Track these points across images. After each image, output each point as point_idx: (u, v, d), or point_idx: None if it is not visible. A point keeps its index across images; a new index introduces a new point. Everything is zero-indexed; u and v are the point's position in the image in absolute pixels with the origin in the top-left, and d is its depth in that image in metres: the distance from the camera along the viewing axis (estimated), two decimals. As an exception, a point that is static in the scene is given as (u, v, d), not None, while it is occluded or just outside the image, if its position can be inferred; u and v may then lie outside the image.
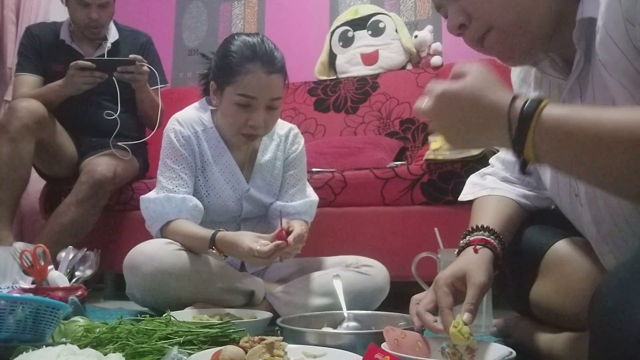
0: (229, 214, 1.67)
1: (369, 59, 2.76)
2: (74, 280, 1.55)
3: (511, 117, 0.70)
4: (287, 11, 3.15)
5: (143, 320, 1.07)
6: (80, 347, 0.84)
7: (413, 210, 1.87)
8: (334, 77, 2.82)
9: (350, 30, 2.82)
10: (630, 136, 0.61)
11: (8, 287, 1.53)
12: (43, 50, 2.29)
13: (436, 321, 0.89)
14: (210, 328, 1.03)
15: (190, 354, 0.86)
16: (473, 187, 1.14)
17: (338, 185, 1.94)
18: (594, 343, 0.56)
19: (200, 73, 1.70)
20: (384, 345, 0.84)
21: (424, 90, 0.78)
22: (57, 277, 1.47)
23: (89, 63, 2.08)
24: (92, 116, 2.26)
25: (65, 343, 0.85)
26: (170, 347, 0.90)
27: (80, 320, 1.08)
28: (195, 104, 1.70)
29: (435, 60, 2.69)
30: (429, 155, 1.81)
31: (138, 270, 1.45)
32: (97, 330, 1.02)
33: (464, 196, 1.16)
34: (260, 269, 1.70)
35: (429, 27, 2.75)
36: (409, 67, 2.75)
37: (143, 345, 0.94)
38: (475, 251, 0.93)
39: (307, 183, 1.78)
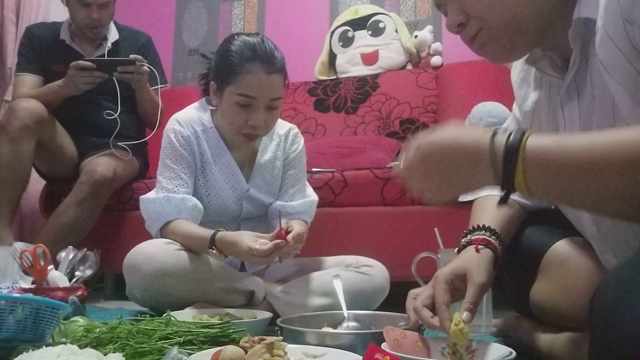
0: (229, 214, 1.67)
1: (369, 59, 2.76)
2: (74, 280, 1.55)
3: (496, 152, 0.69)
4: (287, 11, 3.15)
5: (143, 320, 1.07)
6: (80, 347, 0.84)
7: (413, 210, 1.87)
8: (334, 77, 2.82)
9: (350, 30, 2.82)
10: (622, 158, 0.61)
11: (8, 287, 1.53)
12: (43, 50, 2.29)
13: (433, 317, 0.89)
14: (210, 328, 1.03)
15: (190, 354, 0.86)
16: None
17: (338, 185, 1.94)
18: (594, 343, 0.56)
19: (200, 73, 1.70)
20: (384, 345, 0.84)
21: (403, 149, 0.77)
22: (57, 277, 1.46)
23: (89, 63, 2.08)
24: (92, 116, 2.26)
25: (65, 343, 0.85)
26: (170, 347, 0.90)
27: (80, 320, 1.08)
28: (195, 104, 1.70)
29: (435, 60, 2.69)
30: (429, 155, 1.81)
31: (138, 270, 1.45)
32: (97, 330, 1.02)
33: (464, 197, 1.16)
34: (260, 269, 1.70)
35: (429, 27, 2.75)
36: (409, 67, 2.75)
37: (143, 345, 0.94)
38: (477, 251, 0.93)
39: (307, 183, 1.78)
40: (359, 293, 1.50)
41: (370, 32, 2.78)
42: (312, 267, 1.65)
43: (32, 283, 1.51)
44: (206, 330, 1.02)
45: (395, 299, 1.51)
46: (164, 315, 1.10)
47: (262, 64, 1.47)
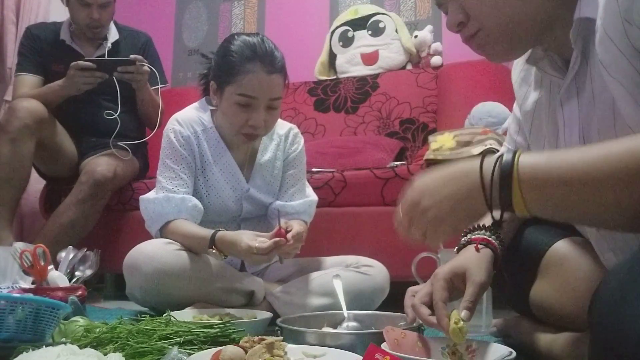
0: (229, 214, 1.67)
1: (369, 59, 2.76)
2: (74, 280, 1.55)
3: (484, 175, 0.70)
4: (287, 11, 3.15)
5: (143, 320, 1.07)
6: (80, 347, 0.84)
7: (413, 210, 1.86)
8: (334, 77, 2.82)
9: (350, 30, 2.82)
10: (617, 168, 0.61)
11: (8, 287, 1.53)
12: (43, 50, 2.29)
13: (431, 314, 0.89)
14: (210, 328, 1.03)
15: (190, 354, 0.86)
16: None
17: (338, 185, 1.94)
18: (594, 343, 0.56)
19: (200, 73, 1.70)
20: (384, 345, 0.84)
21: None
22: (57, 277, 1.47)
23: (89, 63, 2.08)
24: (92, 116, 2.26)
25: (65, 343, 0.85)
26: (170, 347, 0.90)
27: (80, 320, 1.08)
28: (195, 104, 1.70)
29: (435, 60, 2.69)
30: (429, 155, 1.81)
31: (138, 270, 1.45)
32: (97, 330, 1.02)
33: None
34: (260, 269, 1.70)
35: (429, 27, 2.75)
36: (409, 67, 2.75)
37: (143, 345, 0.94)
38: (477, 250, 0.93)
39: (307, 183, 1.78)
40: (359, 293, 1.50)
41: (370, 32, 2.78)
42: (312, 267, 1.65)
43: (32, 283, 1.51)
44: (206, 330, 1.02)
45: (395, 299, 1.50)
46: (164, 315, 1.10)
47: (263, 64, 1.47)
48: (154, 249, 1.47)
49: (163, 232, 1.57)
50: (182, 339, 0.97)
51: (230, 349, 0.81)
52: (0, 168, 2.03)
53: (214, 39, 3.24)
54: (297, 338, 1.05)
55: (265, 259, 1.41)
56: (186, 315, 1.30)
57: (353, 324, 1.24)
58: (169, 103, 2.37)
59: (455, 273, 0.90)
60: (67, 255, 1.58)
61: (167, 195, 1.56)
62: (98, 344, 0.97)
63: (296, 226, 1.46)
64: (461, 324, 0.84)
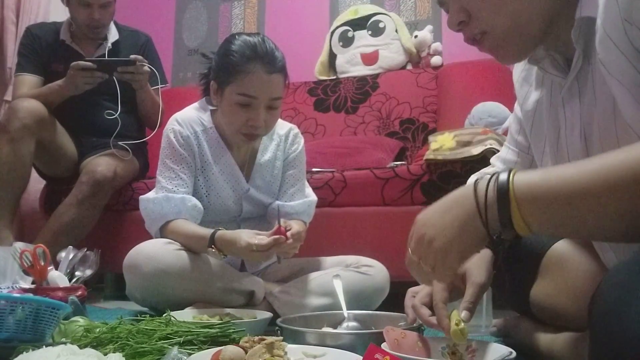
0: (228, 214, 1.67)
1: (369, 59, 2.76)
2: (74, 280, 1.55)
3: (479, 199, 0.70)
4: (287, 11, 3.15)
5: (143, 320, 1.07)
6: (80, 347, 0.84)
7: (413, 210, 1.84)
8: (334, 77, 2.82)
9: (350, 30, 2.82)
10: (615, 178, 0.61)
11: (8, 287, 1.52)
12: (43, 50, 2.29)
13: (431, 315, 0.89)
14: (210, 328, 1.03)
15: (190, 354, 0.86)
16: None
17: (338, 185, 1.94)
18: (594, 343, 0.56)
19: (200, 73, 1.70)
20: (384, 345, 0.84)
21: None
22: (57, 277, 1.46)
23: (89, 63, 2.08)
24: (93, 116, 2.26)
25: (65, 343, 0.85)
26: (170, 347, 0.90)
27: (80, 320, 1.08)
28: (195, 104, 1.70)
29: (435, 60, 2.69)
30: (429, 155, 1.81)
31: (138, 270, 1.45)
32: (97, 330, 1.02)
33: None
34: (260, 269, 1.70)
35: (429, 27, 2.75)
36: (409, 67, 2.75)
37: (143, 345, 0.94)
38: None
39: (307, 183, 1.78)
40: (359, 293, 1.50)
41: (370, 32, 2.78)
42: (312, 267, 1.65)
43: (32, 283, 1.51)
44: (206, 330, 1.02)
45: (395, 299, 1.50)
46: (164, 315, 1.10)
47: (263, 64, 1.47)
48: (154, 249, 1.47)
49: (163, 232, 1.57)
50: (182, 339, 0.98)
51: (230, 349, 0.81)
52: (0, 168, 2.03)
53: (214, 39, 3.24)
54: (297, 338, 1.05)
55: (264, 256, 1.41)
56: (186, 315, 1.30)
57: (353, 324, 1.24)
58: (169, 103, 2.37)
59: (455, 274, 0.90)
60: (67, 255, 1.58)
61: (166, 195, 1.56)
62: (98, 344, 0.97)
63: (295, 226, 1.46)
64: (462, 324, 0.84)
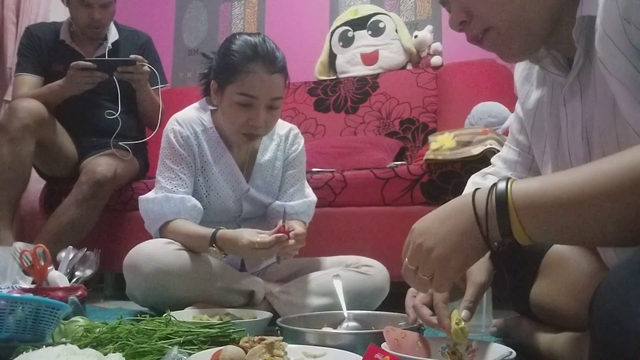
0: (228, 214, 1.67)
1: (369, 59, 2.76)
2: (74, 280, 1.55)
3: (478, 210, 0.70)
4: (287, 11, 3.15)
5: (143, 320, 1.07)
6: (80, 347, 0.84)
7: (413, 210, 1.87)
8: (334, 77, 2.82)
9: (350, 30, 2.82)
10: (613, 183, 0.61)
11: (8, 287, 1.52)
12: (43, 50, 2.29)
13: (432, 315, 0.89)
14: (210, 328, 1.03)
15: (190, 354, 0.86)
16: (474, 187, 1.14)
17: (338, 185, 1.94)
18: (594, 343, 0.56)
19: (200, 73, 1.70)
20: (384, 345, 0.84)
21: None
22: (57, 277, 1.46)
23: (89, 63, 2.08)
24: (93, 116, 2.26)
25: (65, 343, 0.85)
26: (170, 347, 0.90)
27: (80, 320, 1.08)
28: (195, 104, 1.70)
29: (435, 60, 2.69)
30: (429, 155, 1.81)
31: (138, 270, 1.45)
32: (97, 330, 1.02)
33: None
34: (260, 269, 1.70)
35: (429, 27, 2.75)
36: (409, 67, 2.75)
37: (143, 345, 0.94)
38: None
39: (307, 183, 1.78)
40: (359, 293, 1.50)
41: (370, 32, 2.78)
42: (312, 267, 1.65)
43: (32, 283, 1.51)
44: (206, 330, 1.02)
45: (395, 299, 1.50)
46: (164, 315, 1.10)
47: (264, 64, 1.47)
48: (154, 249, 1.47)
49: (162, 232, 1.57)
50: (182, 339, 0.97)
51: (230, 349, 0.81)
52: (0, 168, 2.03)
53: (214, 39, 3.24)
54: (297, 338, 1.05)
55: (266, 254, 1.41)
56: (186, 315, 1.30)
57: (353, 324, 1.24)
58: (169, 103, 2.37)
59: None
60: (67, 255, 1.58)
61: (166, 195, 1.56)
62: (98, 344, 0.97)
63: (299, 227, 1.46)
64: (462, 324, 0.84)
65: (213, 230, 1.47)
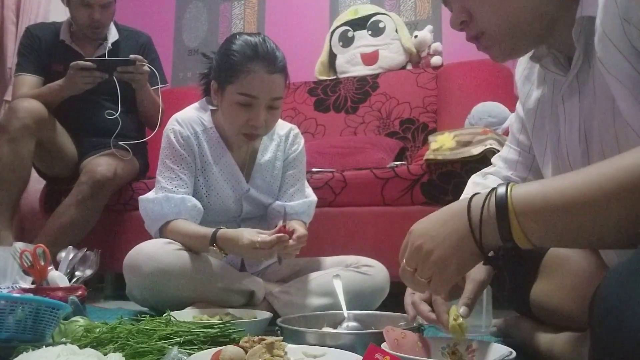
0: (228, 214, 1.67)
1: (369, 59, 2.76)
2: (74, 280, 1.55)
3: (473, 217, 0.70)
4: (287, 11, 3.15)
5: (143, 320, 1.07)
6: (80, 347, 0.83)
7: (413, 210, 1.87)
8: (334, 77, 2.82)
9: (350, 30, 2.82)
10: (613, 185, 0.61)
11: (8, 287, 1.52)
12: (43, 50, 2.29)
13: (431, 311, 0.89)
14: (210, 328, 1.03)
15: (190, 354, 0.86)
16: (475, 187, 1.14)
17: (338, 185, 1.94)
18: (594, 343, 0.56)
19: (200, 73, 1.70)
20: (384, 345, 0.84)
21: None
22: (57, 277, 1.46)
23: (89, 63, 2.08)
24: (93, 116, 2.26)
25: (65, 343, 0.85)
26: (170, 347, 0.90)
27: (80, 320, 1.08)
28: (195, 104, 1.70)
29: (435, 60, 2.69)
30: (429, 155, 1.81)
31: (138, 270, 1.45)
32: (97, 330, 1.02)
33: (465, 196, 1.16)
34: (260, 269, 1.70)
35: (429, 27, 2.75)
36: (409, 67, 2.75)
37: (143, 345, 0.94)
38: None
39: (307, 183, 1.78)
40: (359, 293, 1.50)
41: (370, 32, 2.78)
42: (312, 267, 1.65)
43: (32, 283, 1.51)
44: (206, 330, 1.02)
45: (395, 299, 1.50)
46: (164, 315, 1.10)
47: (264, 64, 1.47)
48: (154, 249, 1.47)
49: (163, 232, 1.57)
50: (182, 339, 0.97)
51: (230, 349, 0.81)
52: (0, 168, 2.03)
53: (214, 39, 3.24)
54: (297, 338, 1.05)
55: (267, 254, 1.41)
56: (186, 315, 1.30)
57: (353, 324, 1.24)
58: (169, 103, 2.37)
59: None
60: (67, 255, 1.58)
61: (166, 195, 1.56)
62: (98, 344, 0.97)
63: (300, 229, 1.46)
64: (460, 320, 0.84)
65: (213, 230, 1.47)
